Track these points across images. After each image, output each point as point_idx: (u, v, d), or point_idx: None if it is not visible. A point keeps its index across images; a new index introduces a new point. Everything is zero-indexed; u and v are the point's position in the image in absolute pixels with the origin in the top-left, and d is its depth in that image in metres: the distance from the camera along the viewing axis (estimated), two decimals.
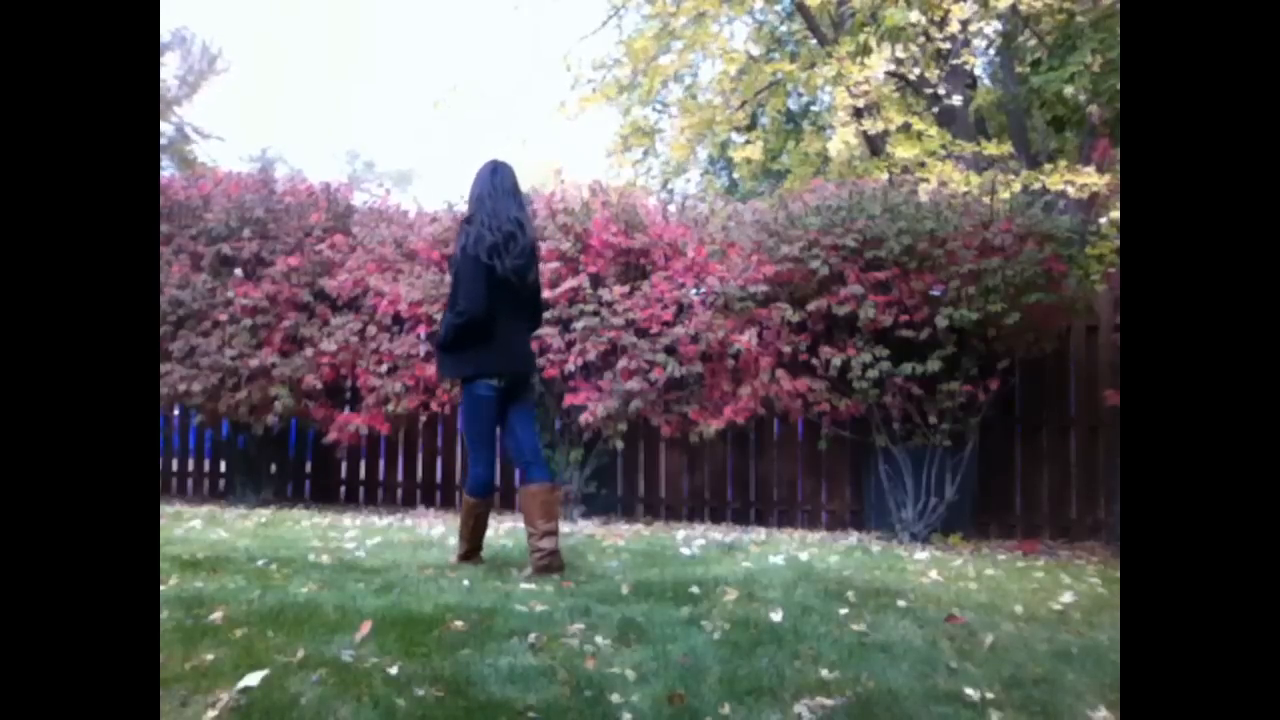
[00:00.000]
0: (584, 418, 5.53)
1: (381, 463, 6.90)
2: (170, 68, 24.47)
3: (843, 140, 9.21)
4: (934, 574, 3.96)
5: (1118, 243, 5.80)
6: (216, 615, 2.81)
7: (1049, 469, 5.84)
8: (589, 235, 5.73)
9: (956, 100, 9.29)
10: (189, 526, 4.99)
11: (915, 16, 7.30)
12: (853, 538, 5.37)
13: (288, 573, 3.56)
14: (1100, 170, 7.73)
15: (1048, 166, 7.95)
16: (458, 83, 10.50)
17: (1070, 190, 7.54)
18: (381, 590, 3.26)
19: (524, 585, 3.42)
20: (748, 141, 10.84)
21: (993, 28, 8.68)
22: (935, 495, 5.27)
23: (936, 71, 9.10)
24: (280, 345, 6.08)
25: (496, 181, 3.83)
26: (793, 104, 13.84)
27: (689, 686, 2.33)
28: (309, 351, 6.01)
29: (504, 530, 5.24)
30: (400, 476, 6.89)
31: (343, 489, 6.93)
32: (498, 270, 3.67)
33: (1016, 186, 7.10)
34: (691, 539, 4.97)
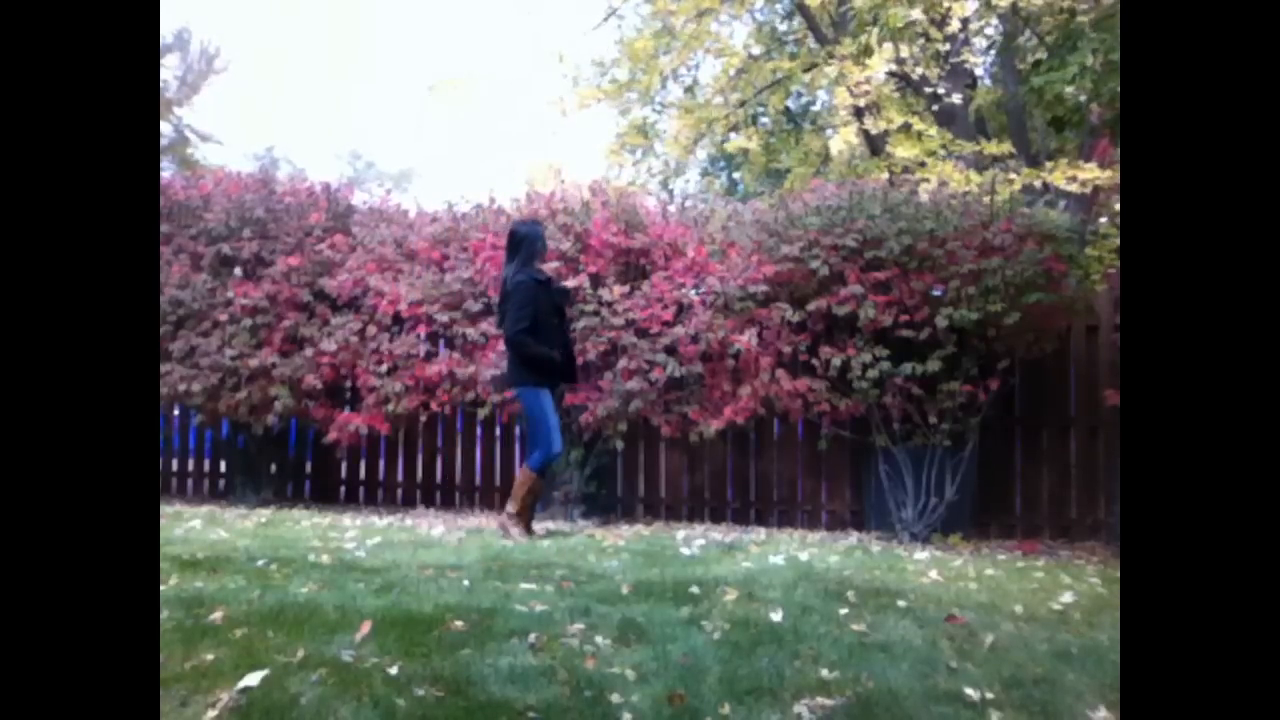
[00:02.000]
0: (584, 418, 5.53)
1: (381, 463, 6.90)
2: (170, 69, 24.47)
3: (845, 139, 9.22)
4: (934, 574, 3.96)
5: (1118, 242, 5.79)
6: (216, 615, 2.80)
7: (1049, 469, 5.84)
8: (589, 235, 5.73)
9: (957, 99, 9.28)
10: (189, 526, 4.99)
11: (917, 15, 7.29)
12: (853, 538, 5.37)
13: (288, 573, 3.56)
14: (1102, 167, 7.71)
15: (1049, 164, 7.94)
16: (456, 74, 10.42)
17: (1074, 186, 7.50)
18: (381, 590, 3.26)
19: (524, 585, 3.42)
20: (751, 140, 10.84)
21: (993, 27, 8.67)
22: (935, 495, 5.27)
23: (936, 71, 9.09)
24: (280, 345, 6.08)
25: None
26: (792, 104, 13.84)
27: (689, 686, 2.33)
28: (309, 351, 6.01)
29: None
30: (400, 476, 6.89)
31: (343, 489, 6.92)
32: None
33: (1017, 185, 7.09)
34: (691, 539, 4.97)
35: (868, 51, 6.72)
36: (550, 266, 5.63)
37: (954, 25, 8.14)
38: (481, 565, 3.88)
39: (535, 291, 4.90)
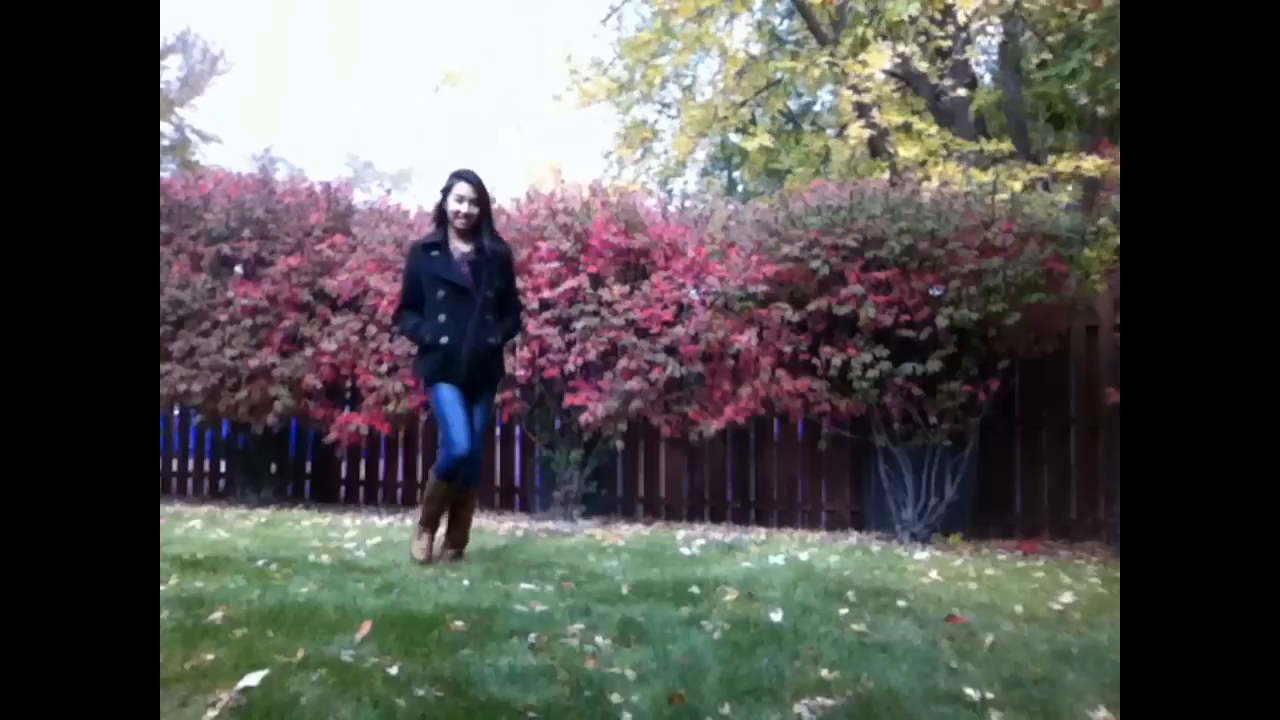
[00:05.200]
0: (584, 418, 5.53)
1: (381, 463, 6.90)
2: (172, 69, 24.50)
3: (854, 135, 9.20)
4: (934, 574, 3.96)
5: (1118, 242, 5.79)
6: (216, 615, 2.81)
7: (1049, 469, 5.84)
8: (589, 235, 5.72)
9: (962, 93, 9.25)
10: (189, 526, 4.99)
11: (916, 9, 7.27)
12: (853, 538, 5.37)
13: (288, 573, 3.56)
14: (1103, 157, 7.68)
15: (1052, 158, 7.93)
16: (457, 70, 10.38)
17: (1085, 169, 7.44)
18: (381, 590, 3.26)
19: (524, 585, 3.42)
20: (751, 135, 10.83)
21: (994, 26, 8.66)
22: (935, 495, 5.27)
23: (937, 69, 9.07)
24: (280, 345, 6.08)
25: None
26: (793, 104, 13.83)
27: (689, 686, 2.33)
28: (309, 351, 6.01)
29: (504, 530, 5.24)
30: (400, 476, 6.90)
31: (343, 489, 6.93)
32: None
33: (1017, 185, 7.08)
34: (691, 539, 4.97)
35: (863, 44, 6.68)
36: (550, 266, 5.63)
37: (961, 19, 8.09)
38: (481, 565, 3.88)
39: (412, 261, 4.08)
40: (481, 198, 3.98)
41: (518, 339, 4.32)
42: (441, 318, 3.93)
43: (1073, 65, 4.57)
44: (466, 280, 3.94)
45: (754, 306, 5.46)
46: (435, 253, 3.98)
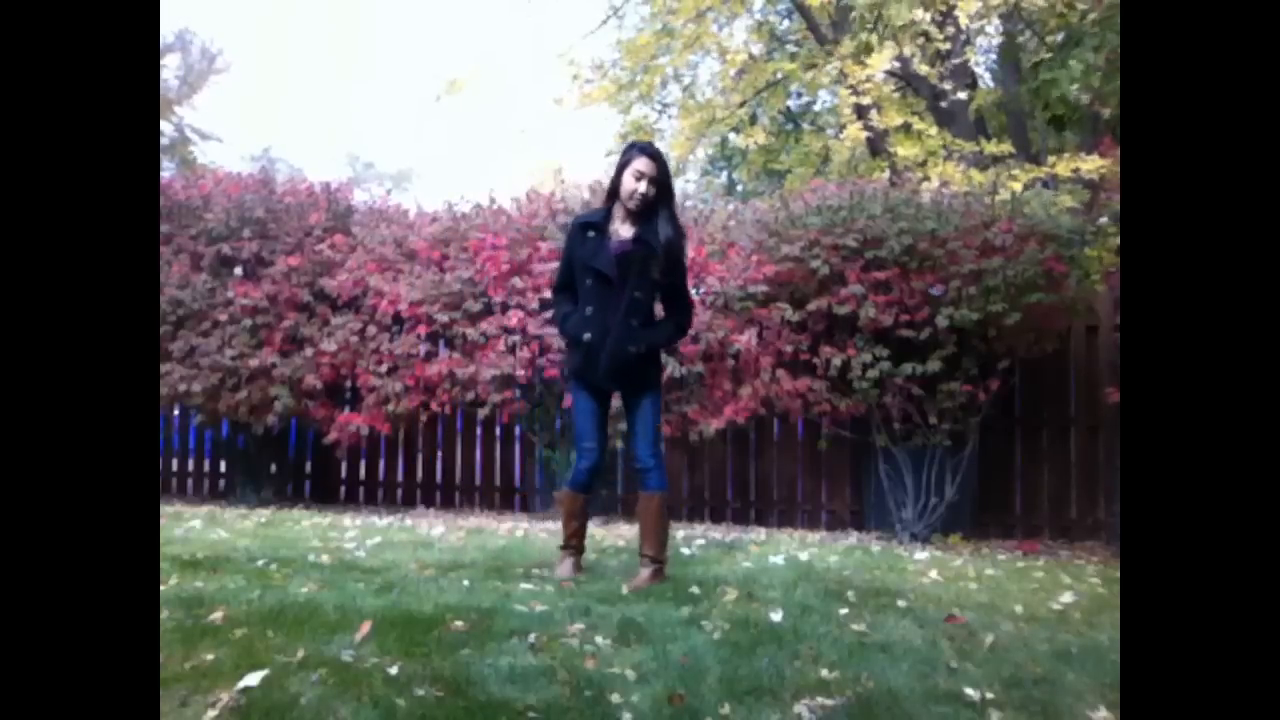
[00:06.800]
0: None
1: (381, 463, 6.90)
2: (171, 68, 24.51)
3: (851, 138, 9.20)
4: (934, 574, 3.96)
5: (1118, 242, 5.79)
6: (216, 615, 2.80)
7: (1049, 469, 5.84)
8: None
9: (962, 95, 9.26)
10: (189, 526, 4.99)
11: (919, 15, 7.28)
12: (853, 538, 5.37)
13: (288, 573, 3.56)
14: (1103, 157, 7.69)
15: (1052, 159, 7.93)
16: (458, 76, 10.44)
17: (1086, 167, 7.44)
18: (381, 590, 3.26)
19: (524, 585, 3.42)
20: (750, 138, 10.83)
21: (994, 26, 8.67)
22: (935, 495, 5.27)
23: (937, 71, 9.09)
24: (280, 345, 6.08)
25: None
26: (793, 104, 13.83)
27: (689, 686, 2.32)
28: (309, 351, 6.01)
29: (504, 530, 5.24)
30: (400, 476, 6.89)
31: (343, 489, 6.92)
32: None
33: (1017, 185, 7.08)
34: (691, 539, 4.97)
35: (868, 49, 6.69)
36: (550, 267, 5.62)
37: (963, 20, 8.11)
38: (482, 565, 3.88)
39: (568, 239, 3.73)
40: (662, 175, 3.53)
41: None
42: (589, 310, 3.54)
43: (1076, 68, 4.56)
44: (612, 272, 3.51)
45: (754, 306, 5.47)
46: (591, 234, 3.56)
